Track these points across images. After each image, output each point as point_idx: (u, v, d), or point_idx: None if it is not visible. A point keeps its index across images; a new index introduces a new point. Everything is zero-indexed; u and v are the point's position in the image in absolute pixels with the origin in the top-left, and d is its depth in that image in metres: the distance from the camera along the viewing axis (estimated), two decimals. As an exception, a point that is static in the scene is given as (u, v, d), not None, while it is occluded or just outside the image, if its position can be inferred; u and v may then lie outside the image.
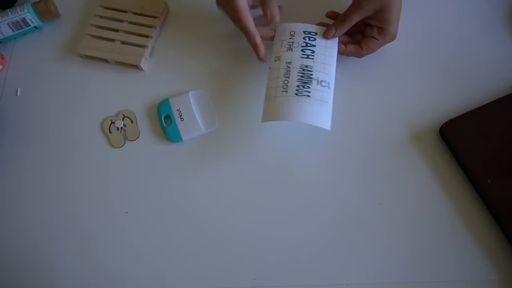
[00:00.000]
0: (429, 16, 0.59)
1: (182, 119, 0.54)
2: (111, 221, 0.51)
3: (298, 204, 0.51)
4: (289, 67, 0.50)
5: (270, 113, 0.48)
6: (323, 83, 0.49)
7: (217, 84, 0.57)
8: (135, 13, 0.59)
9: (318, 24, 0.53)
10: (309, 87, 0.49)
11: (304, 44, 0.51)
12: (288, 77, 0.49)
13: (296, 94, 0.48)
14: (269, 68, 0.51)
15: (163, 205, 0.52)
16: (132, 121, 0.56)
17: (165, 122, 0.55)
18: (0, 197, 0.53)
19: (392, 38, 0.52)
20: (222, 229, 0.50)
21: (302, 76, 0.49)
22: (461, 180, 0.50)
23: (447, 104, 0.54)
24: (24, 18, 0.58)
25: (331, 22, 0.53)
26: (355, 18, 0.50)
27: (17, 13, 0.58)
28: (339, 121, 0.53)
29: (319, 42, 0.52)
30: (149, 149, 0.54)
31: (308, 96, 0.48)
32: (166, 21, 0.61)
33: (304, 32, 0.52)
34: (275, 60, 0.51)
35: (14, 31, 0.59)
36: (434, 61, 0.56)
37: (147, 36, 0.58)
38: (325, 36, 0.51)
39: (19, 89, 0.59)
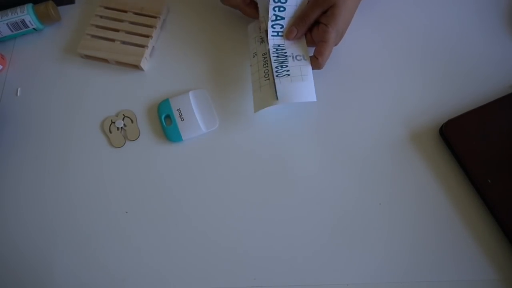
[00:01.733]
0: (429, 16, 0.59)
1: (182, 119, 0.54)
2: (111, 221, 0.51)
3: (299, 204, 0.51)
4: (265, 57, 0.52)
5: (258, 102, 0.51)
6: (298, 57, 0.51)
7: (218, 84, 0.57)
8: (135, 13, 0.59)
9: None
10: (287, 66, 0.50)
11: (274, 17, 0.51)
12: (267, 65, 0.51)
13: (277, 76, 0.50)
14: (250, 66, 0.54)
15: (163, 205, 0.52)
16: (132, 121, 0.56)
17: (165, 122, 0.55)
18: None
19: (337, 37, 0.51)
20: (222, 228, 0.50)
21: (277, 56, 0.51)
22: (461, 180, 0.50)
23: (447, 104, 0.54)
24: (23, 19, 0.58)
25: None
26: (313, 15, 0.50)
27: (17, 14, 0.58)
28: (339, 121, 0.54)
29: (288, 12, 0.51)
30: (149, 149, 0.54)
31: (288, 75, 0.49)
32: (166, 21, 0.61)
33: (274, 1, 0.50)
34: (253, 57, 0.54)
35: (12, 31, 0.59)
36: (434, 61, 0.56)
37: (147, 36, 0.58)
38: (288, 37, 0.52)
39: (19, 89, 0.59)
